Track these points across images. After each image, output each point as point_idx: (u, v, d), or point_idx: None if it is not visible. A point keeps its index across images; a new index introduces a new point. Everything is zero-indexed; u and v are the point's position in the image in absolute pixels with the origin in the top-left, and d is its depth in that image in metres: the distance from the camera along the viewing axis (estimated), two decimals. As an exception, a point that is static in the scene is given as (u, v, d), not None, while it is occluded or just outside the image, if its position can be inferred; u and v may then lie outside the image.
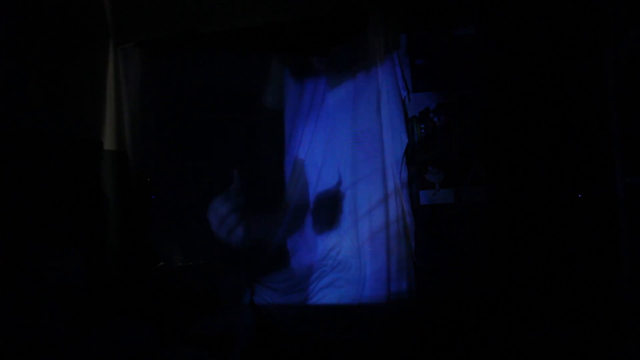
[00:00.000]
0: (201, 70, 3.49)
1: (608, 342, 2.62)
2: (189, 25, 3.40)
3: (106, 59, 3.41)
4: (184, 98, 3.51)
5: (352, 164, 3.40)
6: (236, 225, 3.48)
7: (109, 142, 3.36)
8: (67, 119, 2.91)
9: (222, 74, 3.50)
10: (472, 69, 3.36)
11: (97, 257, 3.01)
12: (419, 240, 3.26)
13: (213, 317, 2.94)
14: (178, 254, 3.50)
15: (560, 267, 2.88)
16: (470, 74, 3.37)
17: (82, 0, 3.14)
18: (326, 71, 3.42)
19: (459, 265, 3.36)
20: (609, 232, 2.73)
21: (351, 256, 3.36)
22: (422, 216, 3.34)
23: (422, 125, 3.40)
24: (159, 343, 2.35)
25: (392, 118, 3.29)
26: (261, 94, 3.49)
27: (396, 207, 3.24)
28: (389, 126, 3.29)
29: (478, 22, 3.32)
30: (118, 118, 3.47)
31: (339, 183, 3.45)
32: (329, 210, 3.44)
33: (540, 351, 2.76)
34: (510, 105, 3.00)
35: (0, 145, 2.33)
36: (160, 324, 2.59)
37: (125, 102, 3.46)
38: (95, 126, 3.23)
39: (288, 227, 3.42)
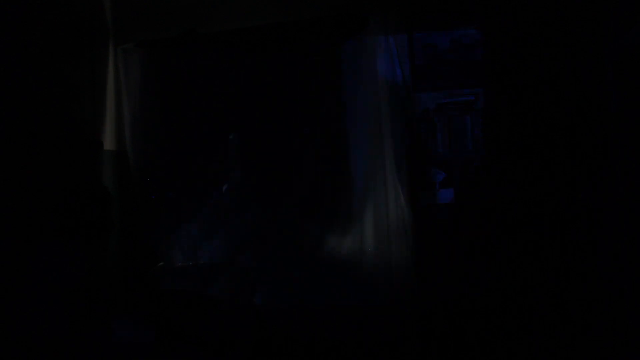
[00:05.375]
0: (201, 70, 3.49)
1: (608, 343, 2.61)
2: (189, 25, 3.40)
3: (106, 59, 3.41)
4: (184, 98, 3.50)
5: (352, 164, 3.40)
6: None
7: (109, 142, 3.35)
8: (67, 119, 2.91)
9: (222, 74, 3.50)
10: (472, 69, 3.36)
11: (97, 257, 3.01)
12: (418, 241, 3.26)
13: (213, 317, 2.93)
14: (178, 254, 3.50)
15: (561, 267, 2.88)
16: (470, 74, 3.37)
17: (82, 0, 3.14)
18: (327, 72, 3.42)
19: (459, 265, 3.35)
20: (609, 232, 2.73)
21: (352, 256, 3.36)
22: (422, 216, 3.34)
23: (422, 125, 3.40)
24: (159, 343, 2.35)
25: (392, 118, 3.29)
26: (261, 94, 3.49)
27: (396, 207, 3.24)
28: (388, 126, 3.29)
29: (478, 22, 3.32)
30: (118, 118, 3.46)
31: (340, 183, 3.44)
32: (330, 209, 3.44)
33: (540, 351, 2.76)
34: (511, 105, 3.00)
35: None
36: (160, 324, 2.58)
37: (125, 102, 3.46)
38: (95, 126, 3.23)
39: None
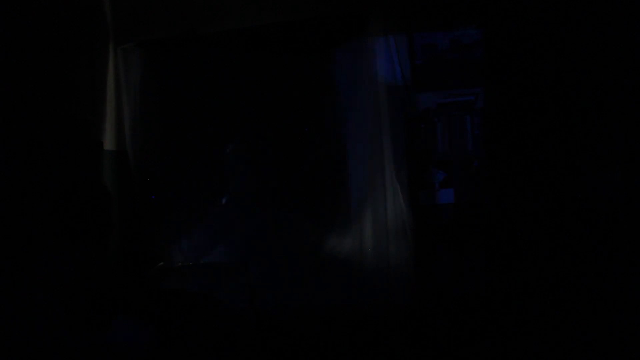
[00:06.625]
0: (201, 70, 3.50)
1: (608, 342, 2.62)
2: (189, 25, 3.40)
3: (106, 59, 3.41)
4: (184, 98, 3.51)
5: (352, 163, 3.40)
6: None
7: (109, 142, 3.35)
8: (67, 119, 2.91)
9: (221, 74, 3.50)
10: (472, 69, 3.36)
11: (97, 257, 3.01)
12: (418, 241, 3.26)
13: (213, 317, 2.93)
14: (178, 254, 3.50)
15: (560, 267, 2.88)
16: (470, 74, 3.37)
17: (82, 0, 3.14)
18: (327, 71, 3.42)
19: (458, 265, 3.36)
20: (609, 232, 2.73)
21: (352, 256, 3.36)
22: (422, 216, 3.34)
23: (422, 125, 3.40)
24: (159, 343, 2.36)
25: (392, 118, 3.29)
26: (260, 95, 3.50)
27: (395, 207, 3.24)
28: (388, 126, 3.29)
29: (478, 22, 3.32)
30: (118, 118, 3.47)
31: (340, 183, 3.45)
32: (329, 209, 3.44)
33: (540, 351, 2.76)
34: (510, 105, 3.00)
35: None
36: (160, 324, 2.58)
37: (125, 102, 3.46)
38: (95, 126, 3.23)
39: None
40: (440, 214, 3.41)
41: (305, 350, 3.08)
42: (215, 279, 3.31)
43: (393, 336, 3.09)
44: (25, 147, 2.48)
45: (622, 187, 2.66)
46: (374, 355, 3.04)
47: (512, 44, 3.01)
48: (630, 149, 2.61)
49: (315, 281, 3.34)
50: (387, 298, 3.20)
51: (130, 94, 3.47)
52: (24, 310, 2.09)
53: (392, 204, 3.25)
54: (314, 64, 3.45)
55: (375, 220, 3.29)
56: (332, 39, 3.39)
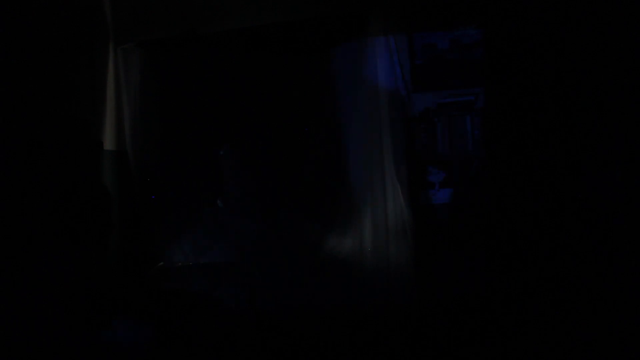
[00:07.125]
0: (201, 70, 3.50)
1: (608, 342, 2.62)
2: (189, 25, 3.40)
3: (106, 59, 3.41)
4: (184, 98, 3.51)
5: (352, 163, 3.40)
6: None
7: (109, 142, 3.35)
8: (67, 119, 2.91)
9: (221, 74, 3.50)
10: (472, 69, 3.36)
11: (97, 257, 3.01)
12: (418, 241, 3.26)
13: (213, 317, 2.93)
14: (178, 254, 3.50)
15: (560, 267, 2.88)
16: (470, 74, 3.37)
17: (82, 0, 3.14)
18: (327, 71, 3.43)
19: (458, 265, 3.36)
20: (609, 232, 2.73)
21: (352, 256, 3.36)
22: (422, 216, 3.34)
23: (422, 125, 3.40)
24: (159, 343, 2.36)
25: (392, 118, 3.29)
26: (261, 95, 3.50)
27: (395, 208, 3.24)
28: (388, 126, 3.29)
29: (478, 22, 3.33)
30: (118, 118, 3.47)
31: (340, 183, 3.45)
32: (329, 209, 3.44)
33: (540, 351, 2.76)
34: (511, 105, 3.00)
35: None
36: (160, 324, 2.58)
37: (125, 102, 3.47)
38: (95, 126, 3.23)
39: None
40: (440, 214, 3.41)
41: (305, 350, 3.08)
42: (215, 279, 3.30)
43: (393, 336, 3.09)
44: (25, 147, 2.48)
45: (622, 187, 2.66)
46: (374, 355, 3.03)
47: (512, 44, 3.01)
48: (630, 149, 2.61)
49: (315, 281, 3.34)
50: (387, 298, 3.20)
51: (130, 94, 3.47)
52: (24, 310, 2.09)
53: (392, 204, 3.25)
54: (313, 64, 3.45)
55: (375, 220, 3.29)
56: (332, 39, 3.39)
